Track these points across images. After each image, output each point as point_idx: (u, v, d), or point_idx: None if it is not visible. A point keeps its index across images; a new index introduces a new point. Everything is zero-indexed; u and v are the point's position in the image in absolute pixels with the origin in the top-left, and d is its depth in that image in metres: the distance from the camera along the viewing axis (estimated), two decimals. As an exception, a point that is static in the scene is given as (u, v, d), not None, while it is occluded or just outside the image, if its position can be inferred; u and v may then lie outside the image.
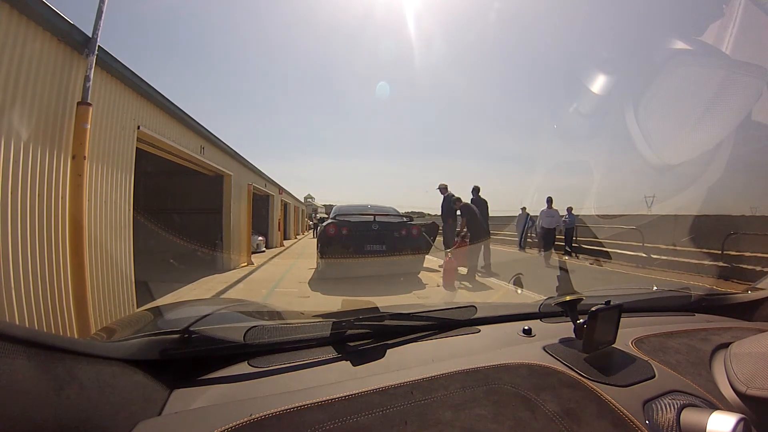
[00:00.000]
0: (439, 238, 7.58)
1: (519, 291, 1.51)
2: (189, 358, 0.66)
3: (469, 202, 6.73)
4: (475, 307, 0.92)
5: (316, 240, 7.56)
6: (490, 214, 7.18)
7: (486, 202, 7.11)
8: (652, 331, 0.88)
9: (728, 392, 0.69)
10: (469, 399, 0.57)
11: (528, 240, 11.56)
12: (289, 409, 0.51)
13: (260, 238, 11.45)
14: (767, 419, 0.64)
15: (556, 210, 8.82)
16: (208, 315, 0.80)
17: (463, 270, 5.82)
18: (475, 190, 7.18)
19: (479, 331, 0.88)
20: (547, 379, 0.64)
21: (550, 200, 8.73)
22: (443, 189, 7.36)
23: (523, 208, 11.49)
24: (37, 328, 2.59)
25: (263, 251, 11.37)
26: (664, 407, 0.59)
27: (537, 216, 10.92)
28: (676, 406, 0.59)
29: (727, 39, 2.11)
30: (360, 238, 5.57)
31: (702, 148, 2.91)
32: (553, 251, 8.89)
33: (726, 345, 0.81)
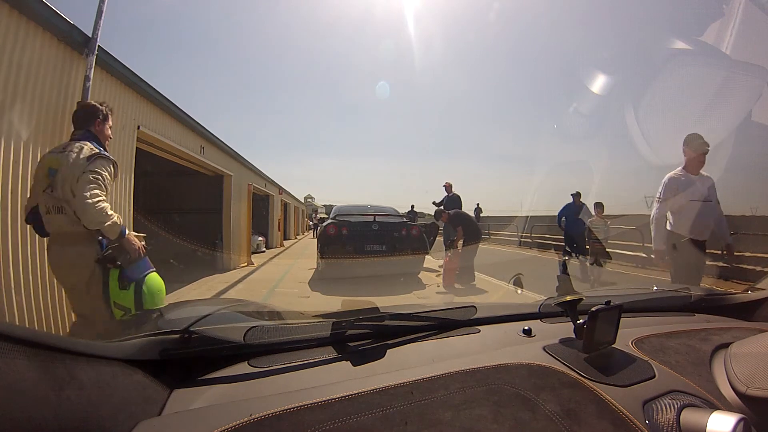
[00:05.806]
0: (440, 238, 7.58)
1: (519, 291, 1.50)
2: (189, 358, 0.66)
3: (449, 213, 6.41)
4: (475, 308, 0.92)
5: (316, 240, 7.56)
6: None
7: (459, 198, 7.18)
8: (652, 331, 0.88)
9: (728, 392, 0.69)
10: (469, 399, 0.57)
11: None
12: (289, 409, 0.51)
13: (260, 238, 11.46)
14: (767, 419, 0.64)
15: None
16: (208, 315, 0.80)
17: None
18: (448, 188, 7.25)
19: (479, 331, 0.87)
20: (547, 379, 0.64)
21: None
22: (448, 188, 7.35)
23: (576, 194, 6.46)
24: (37, 328, 2.58)
25: (263, 251, 11.37)
26: (664, 407, 0.59)
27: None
28: (676, 406, 0.59)
29: (727, 39, 2.12)
30: (360, 238, 5.57)
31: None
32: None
33: (726, 345, 0.81)
